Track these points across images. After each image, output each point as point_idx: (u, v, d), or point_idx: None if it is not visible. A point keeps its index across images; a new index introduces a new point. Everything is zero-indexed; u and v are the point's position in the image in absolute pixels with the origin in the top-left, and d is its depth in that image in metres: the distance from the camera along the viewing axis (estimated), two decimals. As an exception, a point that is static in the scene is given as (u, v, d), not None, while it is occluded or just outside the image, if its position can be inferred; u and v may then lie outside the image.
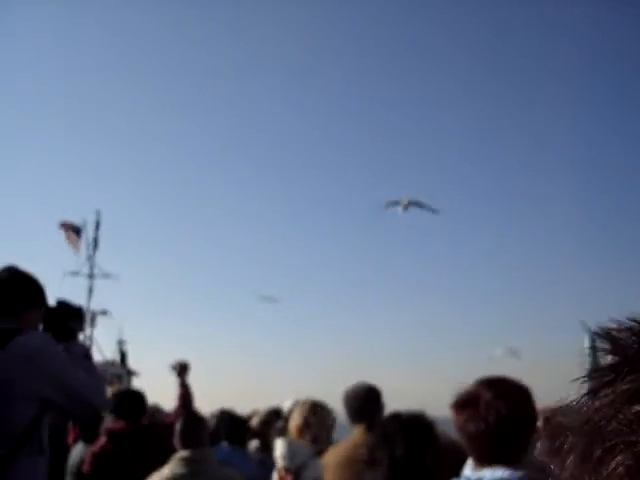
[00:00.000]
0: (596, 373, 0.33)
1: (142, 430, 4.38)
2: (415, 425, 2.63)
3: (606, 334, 0.34)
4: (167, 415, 5.55)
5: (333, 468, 3.12)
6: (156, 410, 5.52)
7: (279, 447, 3.80)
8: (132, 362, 26.46)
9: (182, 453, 3.17)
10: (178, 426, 3.35)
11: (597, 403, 0.31)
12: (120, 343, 26.58)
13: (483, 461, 1.82)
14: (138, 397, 4.54)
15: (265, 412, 5.31)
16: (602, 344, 0.34)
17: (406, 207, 17.72)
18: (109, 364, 23.99)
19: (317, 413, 3.56)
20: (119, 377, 22.15)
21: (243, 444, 4.75)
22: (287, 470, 3.64)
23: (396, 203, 17.88)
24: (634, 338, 0.34)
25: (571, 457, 0.29)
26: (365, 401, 3.23)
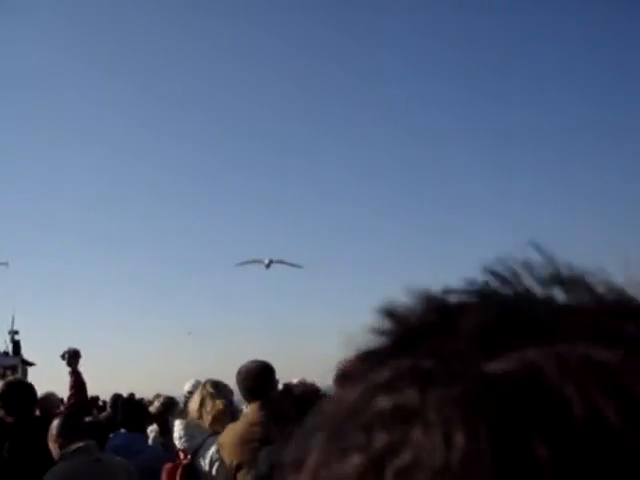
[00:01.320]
0: (365, 354, 0.29)
1: (32, 423, 4.19)
2: (307, 399, 2.69)
3: (386, 310, 0.29)
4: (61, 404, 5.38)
5: (229, 447, 3.13)
6: (50, 398, 5.31)
7: (176, 429, 3.78)
8: (28, 353, 25.14)
9: (74, 445, 3.09)
10: (55, 424, 3.25)
11: (349, 393, 0.27)
12: (12, 333, 25.18)
13: None
14: (26, 389, 4.33)
15: (165, 396, 5.25)
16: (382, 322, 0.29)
17: (268, 265, 19.21)
18: (1, 355, 22.72)
19: (215, 392, 3.56)
20: (13, 368, 20.98)
21: (142, 429, 4.68)
22: (184, 451, 3.63)
23: (259, 261, 19.45)
24: (422, 310, 0.28)
25: (316, 452, 0.27)
26: (258, 378, 3.22)
